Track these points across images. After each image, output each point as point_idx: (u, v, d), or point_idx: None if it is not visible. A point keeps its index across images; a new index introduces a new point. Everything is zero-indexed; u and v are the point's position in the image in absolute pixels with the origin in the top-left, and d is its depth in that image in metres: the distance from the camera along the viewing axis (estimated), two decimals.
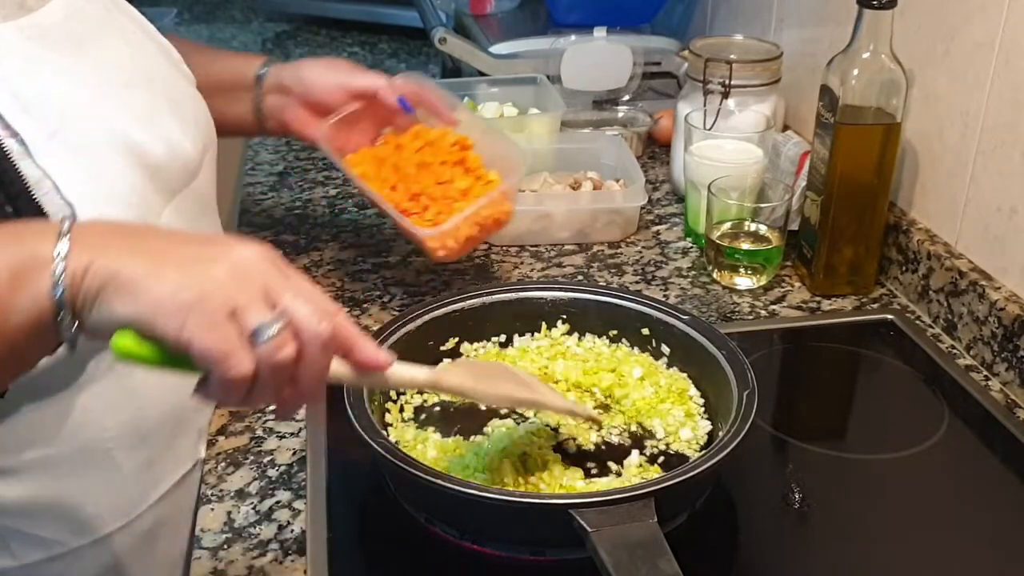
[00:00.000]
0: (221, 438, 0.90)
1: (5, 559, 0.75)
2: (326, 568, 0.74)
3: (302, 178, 1.45)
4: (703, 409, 0.88)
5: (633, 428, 0.87)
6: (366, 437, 0.74)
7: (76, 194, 0.68)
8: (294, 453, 0.88)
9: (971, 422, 0.93)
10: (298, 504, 0.83)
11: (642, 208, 1.27)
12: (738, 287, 1.14)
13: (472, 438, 0.85)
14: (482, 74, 1.53)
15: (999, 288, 0.99)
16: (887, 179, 1.07)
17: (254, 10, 2.38)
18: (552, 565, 0.74)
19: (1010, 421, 0.91)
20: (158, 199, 0.78)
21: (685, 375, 0.91)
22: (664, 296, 1.13)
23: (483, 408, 0.87)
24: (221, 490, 0.84)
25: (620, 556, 0.65)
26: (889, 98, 1.04)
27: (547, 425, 0.86)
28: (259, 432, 0.91)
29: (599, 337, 0.96)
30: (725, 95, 1.24)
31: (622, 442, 0.85)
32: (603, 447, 0.85)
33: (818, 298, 1.13)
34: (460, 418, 0.87)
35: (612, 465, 0.82)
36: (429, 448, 0.83)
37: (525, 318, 0.96)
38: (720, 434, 0.79)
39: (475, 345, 0.95)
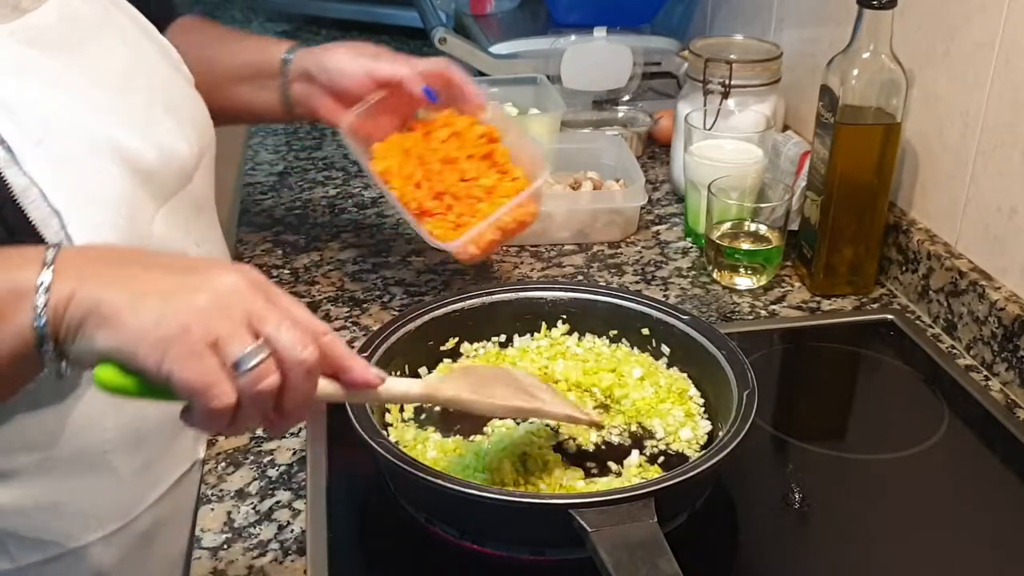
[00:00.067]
0: (221, 438, 0.90)
1: (3, 561, 0.75)
2: (326, 568, 0.74)
3: (302, 178, 1.45)
4: (703, 409, 0.88)
5: (633, 428, 0.87)
6: (366, 437, 0.74)
7: (63, 201, 0.67)
8: (294, 453, 0.88)
9: (971, 422, 0.93)
10: (298, 504, 0.83)
11: (642, 208, 1.27)
12: (738, 287, 1.14)
13: (472, 438, 0.85)
14: (482, 74, 1.53)
15: (999, 288, 0.99)
16: (887, 179, 1.07)
17: (254, 10, 2.38)
18: (552, 565, 0.74)
19: (1010, 421, 0.91)
20: (150, 204, 0.77)
21: (685, 375, 0.91)
22: (664, 296, 1.13)
23: None
24: (221, 490, 0.84)
25: (620, 556, 0.65)
26: (889, 98, 1.04)
27: (547, 425, 0.86)
28: (259, 432, 0.91)
29: (599, 337, 0.96)
30: (725, 95, 1.24)
31: (622, 442, 0.85)
32: (603, 447, 0.85)
33: (818, 298, 1.13)
34: (460, 418, 0.87)
35: (612, 465, 0.82)
36: (429, 448, 0.83)
37: (525, 318, 0.96)
38: (720, 434, 0.79)
39: (475, 345, 0.95)
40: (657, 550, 0.66)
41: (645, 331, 0.93)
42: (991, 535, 0.80)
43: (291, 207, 1.36)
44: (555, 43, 1.50)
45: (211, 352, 0.55)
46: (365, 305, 1.11)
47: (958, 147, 1.04)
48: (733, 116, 1.25)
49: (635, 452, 0.83)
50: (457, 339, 0.94)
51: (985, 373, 1.00)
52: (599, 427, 0.85)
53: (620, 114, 1.52)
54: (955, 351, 1.04)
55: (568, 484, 0.79)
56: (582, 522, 0.67)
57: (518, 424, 0.86)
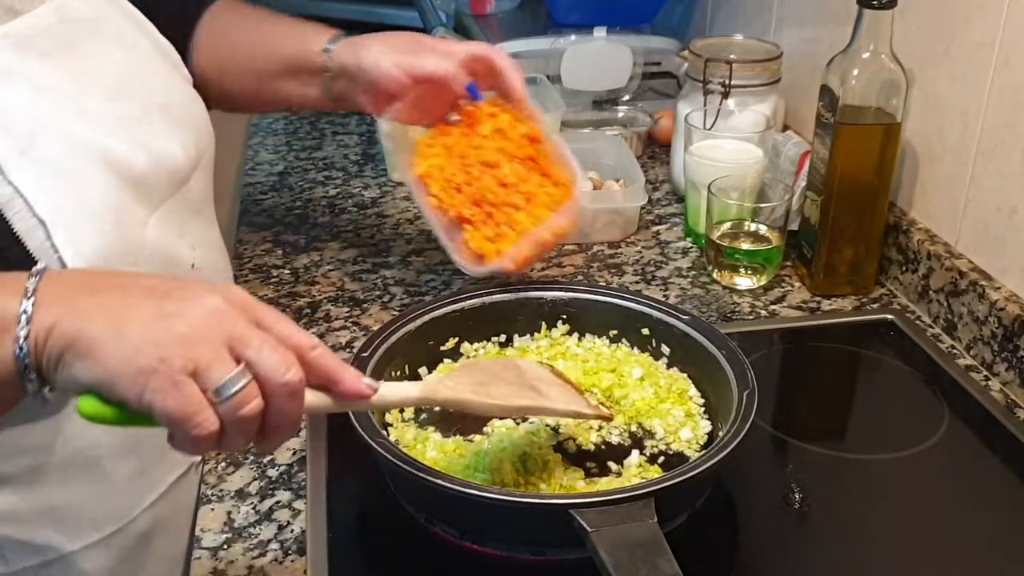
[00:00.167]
0: None
1: None
2: (326, 568, 0.74)
3: (302, 178, 1.45)
4: (703, 409, 0.88)
5: (633, 428, 0.87)
6: (366, 437, 0.74)
7: (49, 211, 0.67)
8: (294, 453, 0.88)
9: (971, 422, 0.93)
10: (298, 504, 0.83)
11: (642, 208, 1.27)
12: (738, 287, 1.14)
13: (472, 438, 0.85)
14: None
15: (999, 288, 0.99)
16: (887, 179, 1.07)
17: None
18: (552, 565, 0.74)
19: (1010, 421, 0.91)
20: (141, 209, 0.76)
21: (685, 375, 0.91)
22: (664, 296, 1.13)
23: None
24: (221, 490, 0.84)
25: (620, 556, 0.65)
26: (889, 98, 1.04)
27: (547, 425, 0.86)
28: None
29: (599, 337, 0.96)
30: (725, 95, 1.24)
31: (622, 442, 0.85)
32: (603, 447, 0.85)
33: (818, 298, 1.13)
34: (460, 418, 0.87)
35: (612, 465, 0.82)
36: (429, 448, 0.83)
37: (525, 318, 0.96)
38: (720, 434, 0.79)
39: (475, 345, 0.95)
40: (657, 550, 0.66)
41: (645, 331, 0.93)
42: (991, 535, 0.80)
43: (291, 207, 1.36)
44: (555, 43, 1.50)
45: (192, 380, 0.55)
46: (365, 305, 1.11)
47: (958, 147, 1.04)
48: (733, 116, 1.25)
49: (635, 452, 0.83)
50: (457, 339, 0.94)
51: (985, 373, 1.00)
52: (608, 419, 0.83)
53: (620, 114, 1.52)
54: (955, 351, 1.04)
55: (568, 484, 0.79)
56: (582, 522, 0.67)
57: (518, 424, 0.86)
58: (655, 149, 1.52)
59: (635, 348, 0.95)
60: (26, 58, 0.71)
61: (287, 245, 1.25)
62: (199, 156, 0.85)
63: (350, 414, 0.76)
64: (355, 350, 0.87)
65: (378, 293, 1.13)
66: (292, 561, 0.77)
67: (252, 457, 0.88)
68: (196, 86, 1.03)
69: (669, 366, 0.92)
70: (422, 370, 0.92)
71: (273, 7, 1.06)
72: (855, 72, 1.03)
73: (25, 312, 0.55)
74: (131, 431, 0.76)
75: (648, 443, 0.85)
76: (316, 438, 0.87)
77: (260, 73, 1.03)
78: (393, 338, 0.88)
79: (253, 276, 1.18)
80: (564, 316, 0.96)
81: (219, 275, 0.91)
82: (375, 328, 0.92)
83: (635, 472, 0.81)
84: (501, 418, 0.86)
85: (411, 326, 0.90)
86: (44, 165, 0.68)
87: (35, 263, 0.65)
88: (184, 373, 0.55)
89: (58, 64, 0.73)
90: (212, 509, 0.82)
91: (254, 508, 0.82)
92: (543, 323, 0.96)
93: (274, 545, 0.79)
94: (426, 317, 0.92)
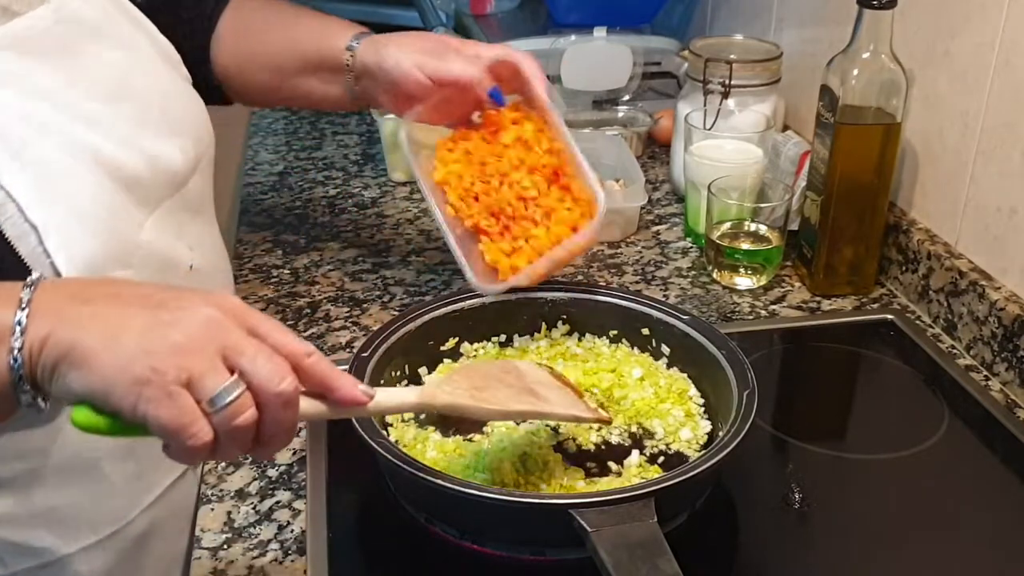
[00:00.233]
0: None
1: None
2: (326, 568, 0.74)
3: (302, 178, 1.45)
4: (703, 409, 0.88)
5: (633, 428, 0.86)
6: (366, 437, 0.74)
7: (41, 216, 0.66)
8: (294, 453, 0.88)
9: (971, 422, 0.93)
10: (298, 504, 0.83)
11: (642, 208, 1.27)
12: (738, 287, 1.14)
13: (472, 438, 0.85)
14: None
15: (999, 288, 0.99)
16: (887, 179, 1.07)
17: None
18: (552, 565, 0.74)
19: (1010, 421, 0.91)
20: (137, 212, 0.76)
21: (685, 375, 0.91)
22: (664, 296, 1.13)
23: None
24: (221, 490, 0.84)
25: (620, 556, 0.65)
26: (889, 98, 1.04)
27: (547, 425, 0.86)
28: None
29: (599, 337, 0.96)
30: (725, 95, 1.24)
31: (622, 442, 0.85)
32: (603, 447, 0.85)
33: (818, 298, 1.13)
34: (460, 418, 0.86)
35: (612, 465, 0.82)
36: (429, 448, 0.83)
37: (525, 318, 0.96)
38: (720, 434, 0.79)
39: (475, 345, 0.95)
40: (657, 550, 0.66)
41: (645, 331, 0.93)
42: (991, 535, 0.80)
43: (291, 207, 1.36)
44: (555, 43, 1.50)
45: (186, 391, 0.55)
46: (365, 305, 1.11)
47: (958, 147, 1.04)
48: (733, 116, 1.25)
49: (635, 452, 0.83)
50: (457, 339, 0.94)
51: (985, 373, 1.00)
52: (607, 423, 0.84)
53: (620, 114, 1.52)
54: (955, 351, 1.04)
55: (568, 484, 0.79)
56: (582, 522, 0.67)
57: (518, 424, 0.86)
58: (655, 149, 1.52)
59: (635, 348, 0.95)
60: (22, 60, 0.70)
61: (287, 245, 1.25)
62: (198, 158, 0.85)
63: None
64: (355, 350, 0.87)
65: (378, 293, 1.13)
66: (292, 561, 0.77)
67: (252, 457, 0.88)
68: (217, 80, 1.02)
69: (669, 366, 0.92)
70: (422, 370, 0.92)
71: None
72: (855, 72, 1.03)
73: (19, 323, 0.55)
74: None
75: (648, 443, 0.85)
76: (316, 438, 0.87)
77: (281, 69, 1.02)
78: (393, 338, 0.88)
79: (253, 276, 1.18)
80: (564, 316, 0.96)
81: (219, 275, 0.91)
82: (375, 328, 0.92)
83: (635, 472, 0.81)
84: (500, 421, 0.86)
85: (411, 326, 0.90)
86: (37, 169, 0.68)
87: (27, 269, 0.65)
88: (178, 383, 0.55)
89: (55, 66, 0.73)
90: (212, 509, 0.82)
91: (254, 508, 0.82)
92: (543, 323, 0.96)
93: (274, 545, 0.79)
94: (426, 317, 0.92)
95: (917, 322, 1.08)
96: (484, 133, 0.99)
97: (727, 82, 1.24)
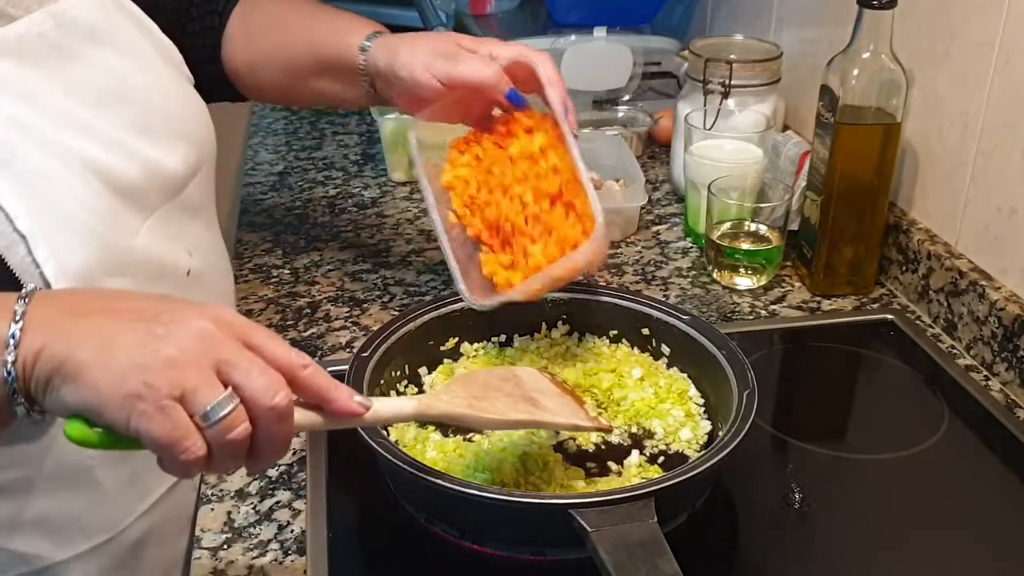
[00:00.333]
0: None
1: None
2: (326, 568, 0.74)
3: (302, 178, 1.45)
4: (703, 409, 0.88)
5: (633, 428, 0.87)
6: (366, 437, 0.74)
7: (30, 226, 0.65)
8: (294, 453, 0.88)
9: (971, 422, 0.93)
10: (298, 504, 0.83)
11: (642, 208, 1.27)
12: (738, 287, 1.14)
13: (472, 438, 0.85)
14: None
15: (999, 288, 0.99)
16: (887, 179, 1.07)
17: None
18: (552, 565, 0.74)
19: (1010, 421, 0.91)
20: (132, 219, 0.75)
21: (685, 375, 0.91)
22: (664, 296, 1.13)
23: None
24: (221, 490, 0.84)
25: (620, 556, 0.65)
26: (889, 98, 1.04)
27: None
28: None
29: (599, 337, 0.96)
30: (725, 95, 1.24)
31: (622, 442, 0.85)
32: (603, 447, 0.85)
33: (818, 298, 1.13)
34: None
35: (612, 465, 0.82)
36: (429, 448, 0.83)
37: (525, 318, 0.96)
38: (720, 434, 0.79)
39: (475, 345, 0.95)
40: (657, 550, 0.66)
41: (645, 331, 0.93)
42: (991, 535, 0.80)
43: (291, 207, 1.36)
44: (555, 43, 1.50)
45: (179, 405, 0.55)
46: (365, 305, 1.11)
47: (958, 147, 1.04)
48: (733, 116, 1.25)
49: (635, 452, 0.83)
50: (457, 339, 0.94)
51: (985, 373, 1.00)
52: (607, 431, 0.84)
53: (620, 114, 1.52)
54: (955, 351, 1.04)
55: (568, 484, 0.79)
56: (582, 522, 0.67)
57: None
58: (655, 149, 1.52)
59: (635, 348, 0.95)
60: (15, 66, 0.69)
61: (287, 245, 1.25)
62: (199, 163, 0.84)
63: None
64: (355, 350, 0.87)
65: (378, 293, 1.13)
66: (292, 561, 0.77)
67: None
68: (228, 78, 1.01)
69: (669, 366, 0.92)
70: (422, 370, 0.92)
71: None
72: (855, 72, 1.03)
73: (13, 336, 0.55)
74: None
75: (648, 443, 0.85)
76: (316, 438, 0.87)
77: (294, 70, 1.00)
78: (393, 338, 0.88)
79: (253, 276, 1.18)
80: (564, 316, 0.96)
81: (219, 277, 0.91)
82: (375, 328, 0.92)
83: (635, 472, 0.81)
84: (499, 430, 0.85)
85: (411, 326, 0.90)
86: (27, 178, 0.67)
87: (16, 280, 0.65)
88: (171, 398, 0.54)
89: (49, 72, 0.71)
90: (212, 509, 0.82)
91: (254, 508, 0.82)
92: (543, 323, 0.96)
93: (274, 545, 0.79)
94: (426, 317, 0.92)
95: (917, 322, 1.08)
96: (496, 137, 0.97)
97: (727, 82, 1.24)
